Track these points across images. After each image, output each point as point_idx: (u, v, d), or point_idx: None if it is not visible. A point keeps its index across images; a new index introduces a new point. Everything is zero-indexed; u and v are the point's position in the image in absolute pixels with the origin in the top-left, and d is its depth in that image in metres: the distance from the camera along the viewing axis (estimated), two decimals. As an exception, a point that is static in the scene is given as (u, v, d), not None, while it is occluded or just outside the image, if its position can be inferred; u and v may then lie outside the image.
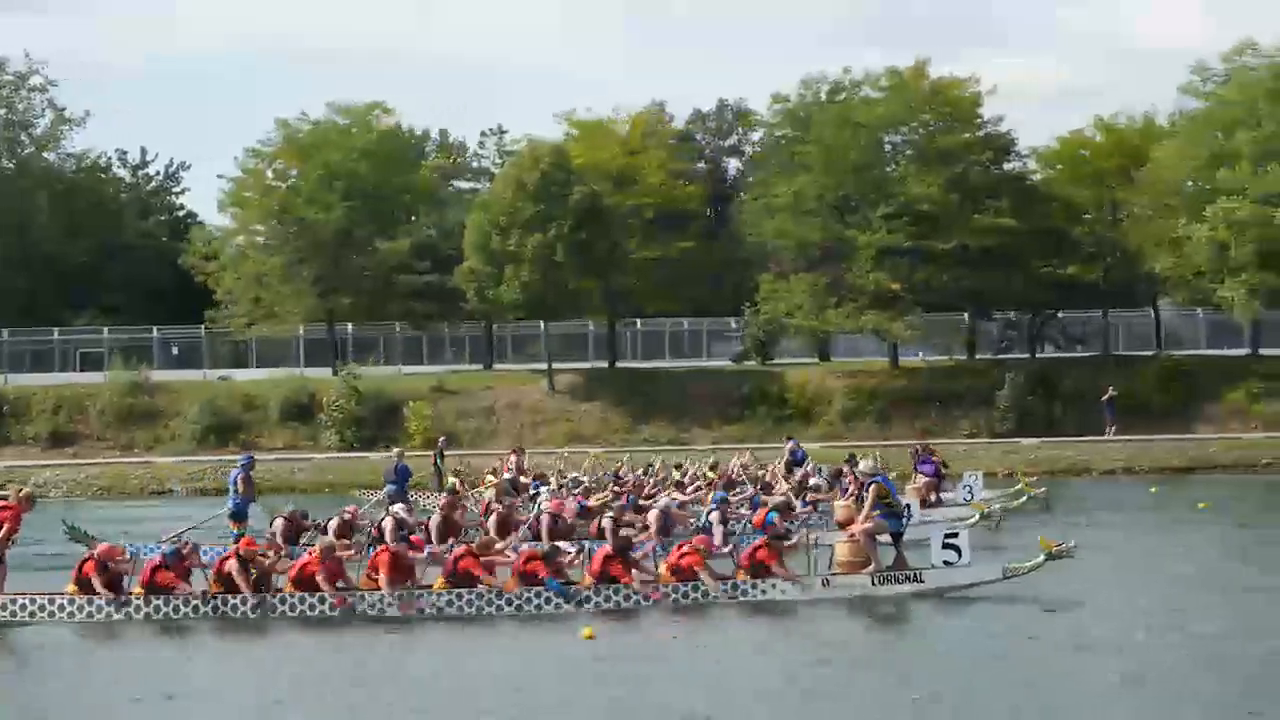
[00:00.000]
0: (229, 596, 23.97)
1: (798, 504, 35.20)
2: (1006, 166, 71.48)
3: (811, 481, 38.06)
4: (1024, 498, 38.16)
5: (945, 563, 24.38)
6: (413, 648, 22.06)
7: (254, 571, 24.36)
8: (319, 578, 24.08)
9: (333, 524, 29.58)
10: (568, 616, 23.42)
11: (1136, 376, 65.96)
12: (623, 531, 28.37)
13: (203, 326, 74.96)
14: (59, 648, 22.59)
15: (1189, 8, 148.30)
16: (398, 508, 31.97)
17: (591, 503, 34.73)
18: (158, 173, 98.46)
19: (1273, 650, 19.90)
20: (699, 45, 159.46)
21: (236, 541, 26.82)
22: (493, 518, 31.64)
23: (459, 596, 23.92)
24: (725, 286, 75.80)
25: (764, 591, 24.13)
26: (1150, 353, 71.52)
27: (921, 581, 24.39)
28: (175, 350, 78.71)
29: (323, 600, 23.92)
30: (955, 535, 24.73)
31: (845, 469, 37.14)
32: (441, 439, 51.06)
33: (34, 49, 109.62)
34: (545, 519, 31.09)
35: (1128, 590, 25.69)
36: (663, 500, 33.31)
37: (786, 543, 25.53)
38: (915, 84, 68.40)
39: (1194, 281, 65.93)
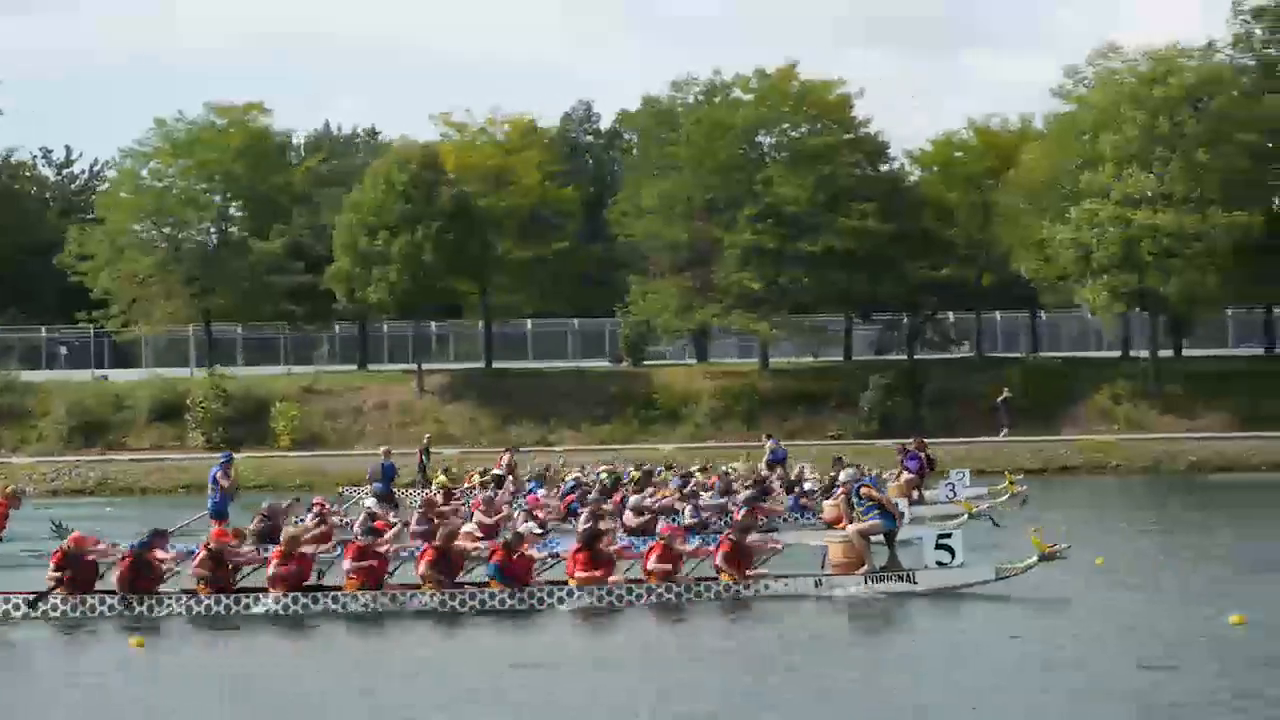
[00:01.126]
0: (202, 595, 23.86)
1: (786, 499, 35.48)
2: (883, 168, 71.70)
3: (806, 485, 37.93)
4: (1005, 496, 37.94)
5: (939, 563, 24.25)
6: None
7: (230, 564, 24.35)
8: (281, 570, 23.94)
9: (307, 519, 29.68)
10: (387, 617, 23.40)
11: (1003, 378, 66.03)
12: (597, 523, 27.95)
13: (91, 328, 74.68)
14: (40, 647, 22.35)
15: (1188, 8, 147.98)
16: (370, 502, 32.61)
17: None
18: (83, 171, 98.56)
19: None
20: (699, 44, 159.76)
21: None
22: (476, 515, 31.54)
23: (432, 596, 23.86)
24: (611, 287, 75.77)
25: (756, 591, 24.05)
26: (1019, 354, 72.06)
27: (914, 582, 24.21)
28: (65, 351, 78.69)
29: (295, 600, 23.80)
30: (949, 536, 24.57)
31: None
32: (426, 437, 52.31)
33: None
34: (521, 515, 31.29)
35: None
36: (633, 499, 33.21)
37: (758, 539, 25.66)
38: (783, 86, 68.44)
39: (1060, 284, 65.99)
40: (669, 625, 22.78)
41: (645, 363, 72.59)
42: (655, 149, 70.75)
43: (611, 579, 24.22)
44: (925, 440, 42.96)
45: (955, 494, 38.17)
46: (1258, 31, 68.36)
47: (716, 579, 24.34)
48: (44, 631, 23.13)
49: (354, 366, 74.49)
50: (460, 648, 21.64)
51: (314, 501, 31.43)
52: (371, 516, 28.63)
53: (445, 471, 44.45)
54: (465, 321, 75.38)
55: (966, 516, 32.93)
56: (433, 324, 76.67)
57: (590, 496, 34.04)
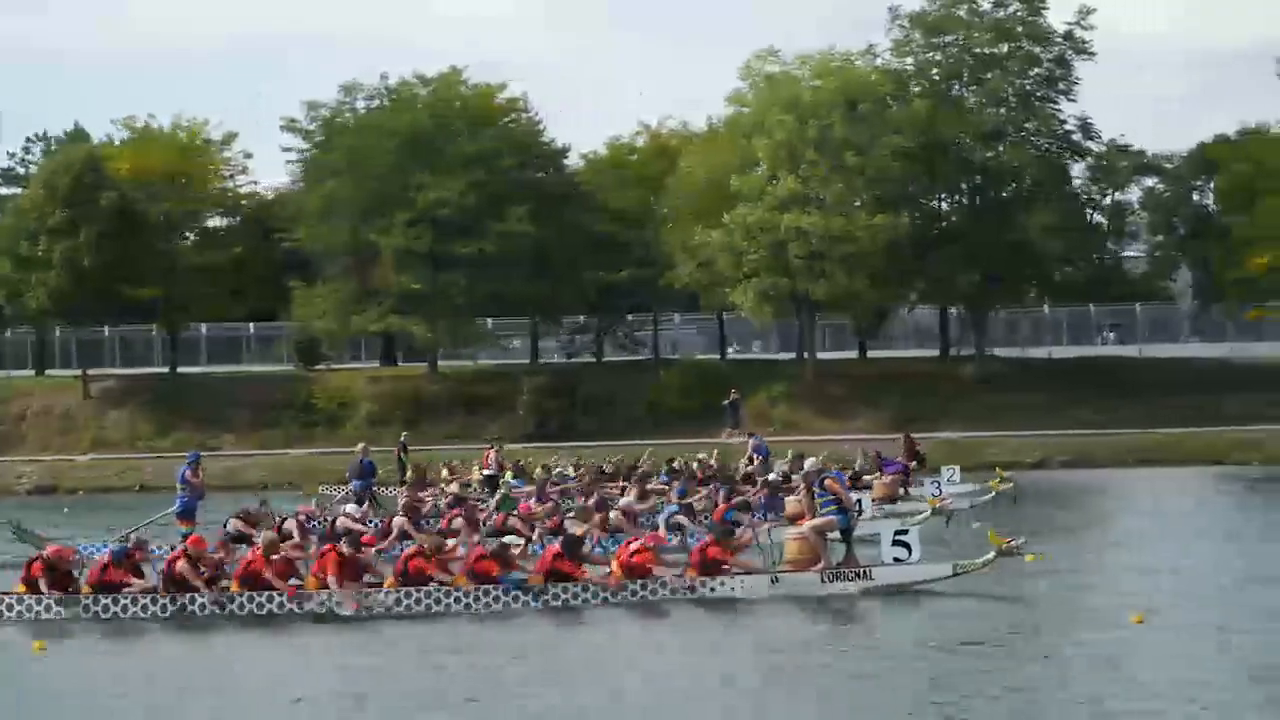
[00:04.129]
0: (178, 595, 23.66)
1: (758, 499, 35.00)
2: (565, 171, 72.06)
3: (771, 477, 37.63)
4: (991, 494, 37.94)
5: (895, 559, 24.13)
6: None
7: (204, 570, 24.13)
8: (266, 574, 23.82)
9: (289, 524, 29.35)
10: (452, 616, 23.24)
11: (661, 380, 66.54)
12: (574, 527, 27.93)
13: None
14: (7, 648, 22.23)
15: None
16: (350, 508, 32.03)
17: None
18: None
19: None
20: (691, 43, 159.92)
21: (185, 540, 26.76)
22: (458, 518, 31.26)
23: (408, 595, 23.63)
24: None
25: (713, 590, 23.80)
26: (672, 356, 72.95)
27: (871, 579, 24.00)
28: None
29: (271, 599, 23.59)
30: (906, 532, 24.50)
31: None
32: (404, 434, 51.95)
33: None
34: (509, 518, 31.17)
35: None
36: (624, 501, 32.99)
37: (738, 539, 25.39)
38: (447, 91, 68.54)
39: (720, 287, 66.25)
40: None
41: (318, 367, 72.52)
42: (320, 154, 70.44)
43: (582, 576, 24.03)
44: (913, 438, 44.01)
45: (940, 491, 37.86)
46: (917, 37, 69.08)
47: (679, 575, 24.17)
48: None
49: (32, 371, 74.20)
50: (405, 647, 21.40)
51: (299, 510, 31.30)
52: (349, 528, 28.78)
53: (415, 468, 44.27)
54: (143, 327, 74.89)
55: (930, 513, 32.70)
56: (119, 328, 75.87)
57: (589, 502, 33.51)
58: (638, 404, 65.69)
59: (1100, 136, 69.94)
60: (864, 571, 24.25)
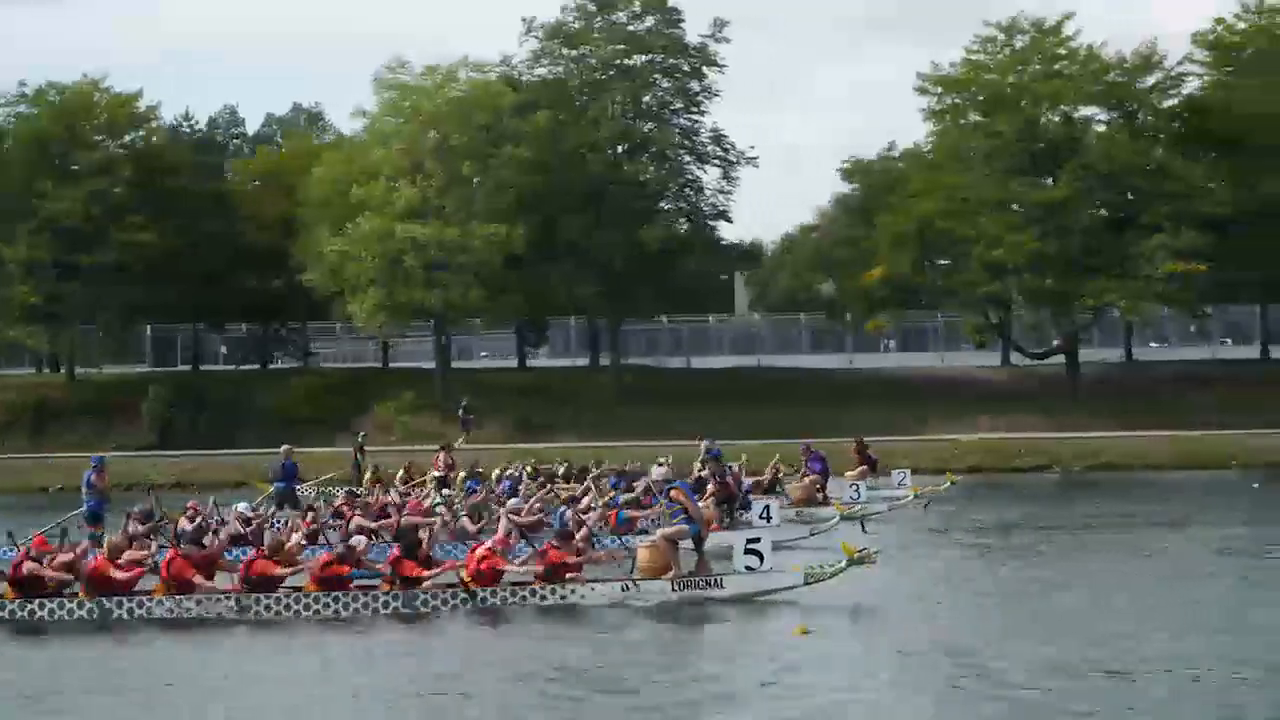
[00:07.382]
0: (27, 602, 23.39)
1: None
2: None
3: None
4: (909, 497, 37.76)
5: (747, 568, 24.14)
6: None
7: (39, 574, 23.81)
8: (112, 576, 23.58)
9: (182, 522, 28.87)
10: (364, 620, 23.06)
11: (288, 388, 66.97)
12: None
13: None
14: None
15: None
16: (242, 506, 31.56)
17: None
18: None
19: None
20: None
21: (97, 542, 26.57)
22: (353, 523, 30.30)
23: (257, 601, 23.44)
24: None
25: (563, 597, 23.77)
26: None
27: (722, 587, 24.02)
28: None
29: (101, 605, 23.34)
30: (757, 541, 24.40)
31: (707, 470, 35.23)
32: (361, 434, 50.99)
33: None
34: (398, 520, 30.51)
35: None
36: (511, 503, 32.23)
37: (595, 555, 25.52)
38: (78, 100, 68.75)
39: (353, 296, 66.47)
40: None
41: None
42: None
43: (426, 585, 23.87)
44: (865, 441, 43.70)
45: (859, 495, 37.45)
46: (553, 48, 69.50)
47: (529, 584, 24.07)
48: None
49: None
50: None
51: (188, 505, 30.75)
52: (245, 521, 28.89)
53: (374, 470, 43.50)
54: None
55: (838, 519, 32.63)
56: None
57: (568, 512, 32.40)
58: (268, 412, 65.95)
59: (734, 148, 70.48)
60: (715, 580, 24.43)
